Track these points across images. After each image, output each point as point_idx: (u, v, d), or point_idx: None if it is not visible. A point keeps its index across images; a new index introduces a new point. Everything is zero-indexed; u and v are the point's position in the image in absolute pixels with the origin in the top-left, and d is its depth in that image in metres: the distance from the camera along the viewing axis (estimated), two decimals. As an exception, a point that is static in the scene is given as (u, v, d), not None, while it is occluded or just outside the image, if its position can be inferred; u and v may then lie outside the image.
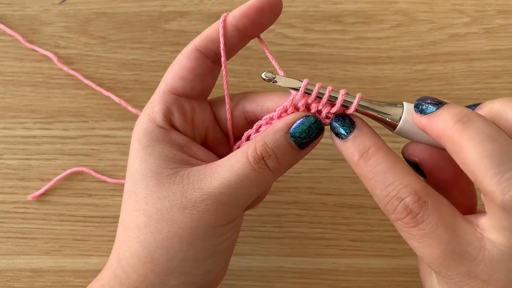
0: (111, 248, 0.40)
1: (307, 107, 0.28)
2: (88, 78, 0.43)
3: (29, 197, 0.41)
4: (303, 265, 0.40)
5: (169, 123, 0.30)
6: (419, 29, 0.44)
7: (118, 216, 0.41)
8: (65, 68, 0.43)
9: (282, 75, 0.28)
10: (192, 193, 0.28)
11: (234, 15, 0.29)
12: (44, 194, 0.41)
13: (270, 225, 0.41)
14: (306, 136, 0.27)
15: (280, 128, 0.27)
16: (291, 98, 0.28)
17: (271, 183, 0.29)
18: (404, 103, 0.28)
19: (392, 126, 0.28)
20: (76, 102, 0.43)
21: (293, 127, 0.27)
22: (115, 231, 0.40)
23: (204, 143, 0.32)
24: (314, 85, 0.28)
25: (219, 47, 0.29)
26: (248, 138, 0.31)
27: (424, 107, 0.26)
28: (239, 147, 0.31)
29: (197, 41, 0.30)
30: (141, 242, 0.29)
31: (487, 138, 0.23)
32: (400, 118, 0.27)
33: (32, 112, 0.42)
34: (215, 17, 0.44)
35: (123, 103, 0.42)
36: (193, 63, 0.30)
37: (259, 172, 0.27)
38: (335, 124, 0.27)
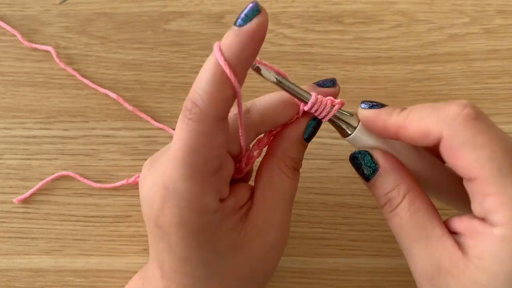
0: (111, 248, 0.40)
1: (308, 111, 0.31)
2: (88, 78, 0.43)
3: (15, 200, 0.40)
4: (303, 265, 0.40)
5: (219, 201, 0.28)
6: (419, 29, 0.44)
7: (118, 216, 0.41)
8: (64, 66, 0.43)
9: (268, 69, 0.29)
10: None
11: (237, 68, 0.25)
12: (43, 194, 0.41)
13: (270, 225, 0.41)
14: (313, 133, 0.32)
15: (298, 138, 0.31)
16: (301, 109, 0.31)
17: None
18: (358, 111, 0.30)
19: (346, 133, 0.31)
20: (77, 102, 0.43)
21: (306, 132, 0.31)
22: (116, 230, 0.40)
23: None
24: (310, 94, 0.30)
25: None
26: (259, 142, 0.33)
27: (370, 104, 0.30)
28: (252, 152, 0.32)
29: (213, 110, 0.25)
30: None
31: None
32: (356, 127, 0.30)
33: (32, 112, 0.42)
34: (215, 17, 0.44)
35: (121, 100, 0.42)
36: (223, 136, 0.27)
37: (296, 180, 0.32)
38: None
